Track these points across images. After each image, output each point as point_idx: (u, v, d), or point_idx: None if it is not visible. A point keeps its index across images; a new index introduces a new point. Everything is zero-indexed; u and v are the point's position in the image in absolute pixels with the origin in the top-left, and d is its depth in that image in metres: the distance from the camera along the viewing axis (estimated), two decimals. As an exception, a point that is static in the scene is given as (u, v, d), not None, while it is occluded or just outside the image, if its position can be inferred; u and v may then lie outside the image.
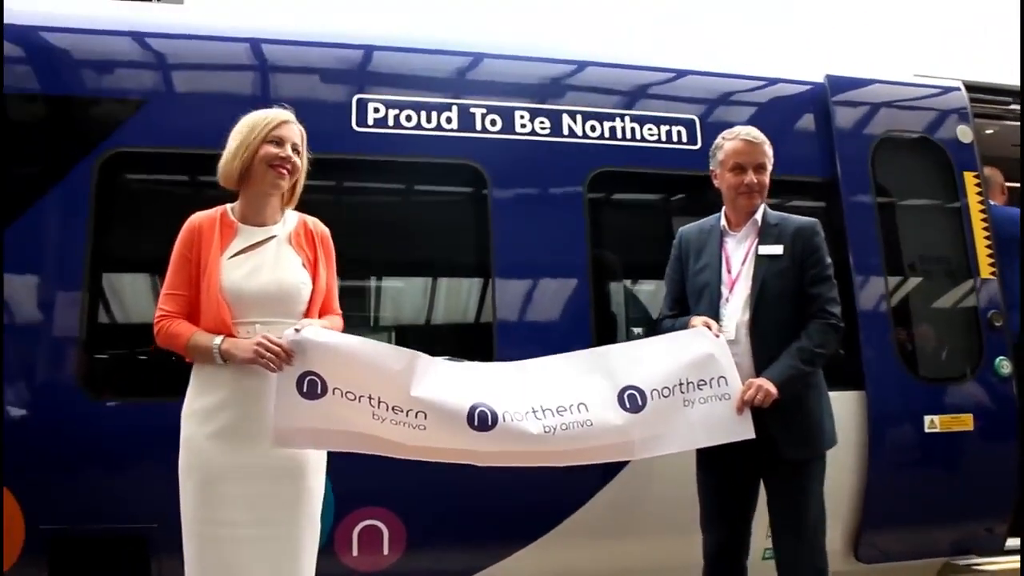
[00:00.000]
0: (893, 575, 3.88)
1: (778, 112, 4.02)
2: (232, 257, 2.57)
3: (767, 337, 2.96)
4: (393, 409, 2.63)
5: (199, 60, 3.53)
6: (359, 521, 3.26)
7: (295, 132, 2.69)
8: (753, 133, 3.11)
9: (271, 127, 2.63)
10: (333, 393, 2.58)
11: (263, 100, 3.51)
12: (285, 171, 2.63)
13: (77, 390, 3.07)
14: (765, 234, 3.04)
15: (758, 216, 3.07)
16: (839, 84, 4.09)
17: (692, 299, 3.13)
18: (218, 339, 2.48)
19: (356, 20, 4.23)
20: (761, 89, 4.10)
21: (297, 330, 2.54)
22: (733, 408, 2.86)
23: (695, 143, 3.87)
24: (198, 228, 2.60)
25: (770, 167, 3.11)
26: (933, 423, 3.82)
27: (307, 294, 2.62)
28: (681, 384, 2.89)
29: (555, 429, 2.76)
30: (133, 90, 3.39)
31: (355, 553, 3.26)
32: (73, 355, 3.12)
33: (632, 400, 2.86)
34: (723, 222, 3.14)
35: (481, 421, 2.69)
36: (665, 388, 2.88)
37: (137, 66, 3.44)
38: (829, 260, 3.04)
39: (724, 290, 3.03)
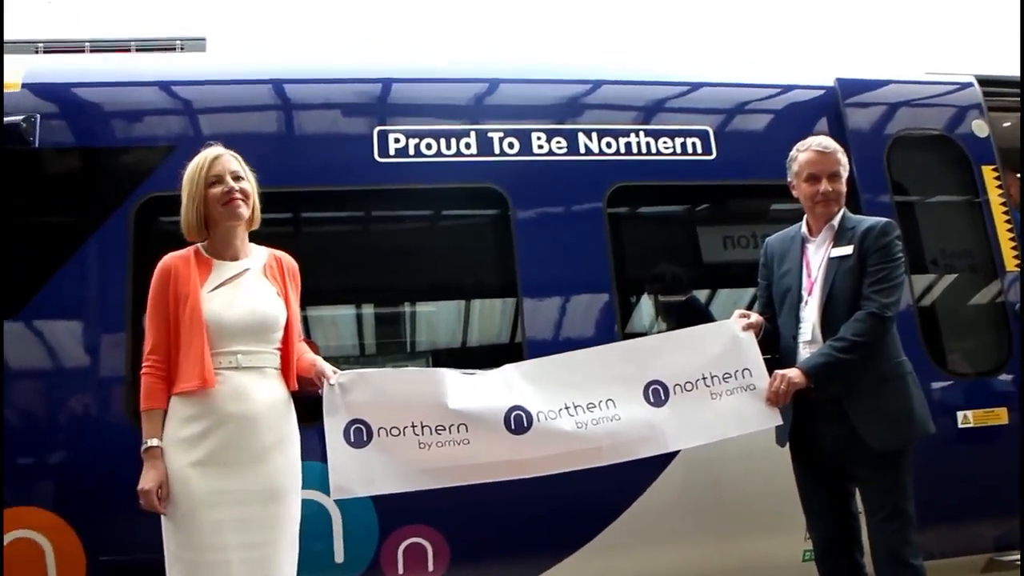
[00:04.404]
0: (937, 572, 3.86)
1: (791, 119, 4.06)
2: (212, 291, 2.65)
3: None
4: (436, 430, 2.79)
5: (224, 103, 3.65)
6: (403, 539, 3.32)
7: (229, 161, 2.73)
8: (824, 143, 3.19)
9: (205, 170, 2.69)
10: (379, 435, 2.77)
11: (287, 138, 3.65)
12: (238, 200, 2.69)
13: (127, 427, 3.16)
14: (840, 237, 3.14)
15: (835, 221, 3.16)
16: (849, 87, 4.12)
17: (777, 303, 3.25)
18: (153, 442, 2.57)
19: (372, 54, 4.34)
20: (773, 97, 4.15)
21: (331, 384, 2.76)
22: (761, 398, 2.99)
23: (710, 153, 3.93)
24: (173, 268, 2.66)
25: (845, 174, 3.18)
26: (967, 418, 3.81)
27: (283, 322, 2.72)
28: (705, 378, 3.02)
29: (587, 424, 2.91)
30: (162, 136, 3.52)
31: (401, 571, 3.32)
32: (121, 394, 3.23)
33: (656, 395, 3.00)
34: (804, 229, 3.24)
35: (518, 424, 2.86)
36: (688, 383, 3.01)
37: (165, 113, 3.57)
38: (897, 259, 3.07)
39: (804, 293, 3.15)
